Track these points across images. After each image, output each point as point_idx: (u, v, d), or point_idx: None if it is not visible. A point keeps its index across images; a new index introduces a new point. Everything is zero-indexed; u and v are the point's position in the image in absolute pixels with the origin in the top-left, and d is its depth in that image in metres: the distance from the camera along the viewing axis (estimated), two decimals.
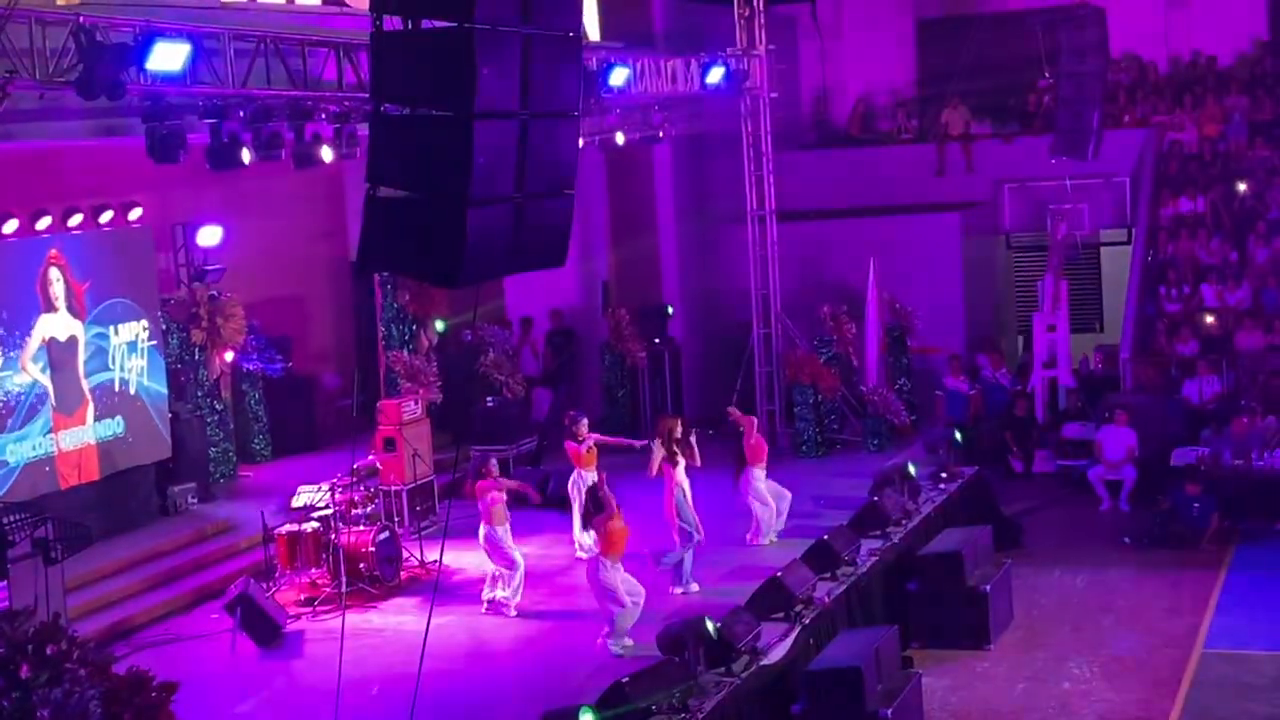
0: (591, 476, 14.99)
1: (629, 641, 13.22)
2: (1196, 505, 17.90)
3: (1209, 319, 22.36)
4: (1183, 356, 21.74)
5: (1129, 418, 19.90)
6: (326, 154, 15.35)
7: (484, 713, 12.31)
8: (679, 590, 14.79)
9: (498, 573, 14.55)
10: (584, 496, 15.08)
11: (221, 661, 13.70)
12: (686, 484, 15.02)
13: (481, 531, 14.41)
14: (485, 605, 14.57)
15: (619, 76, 18.30)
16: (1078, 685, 13.94)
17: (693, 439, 15.27)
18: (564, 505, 17.03)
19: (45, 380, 15.41)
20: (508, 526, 14.50)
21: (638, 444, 16.31)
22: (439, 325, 20.75)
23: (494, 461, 14.76)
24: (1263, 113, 24.76)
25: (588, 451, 15.81)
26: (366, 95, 13.25)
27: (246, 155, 14.36)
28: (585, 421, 16.08)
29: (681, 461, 15.02)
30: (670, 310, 23.24)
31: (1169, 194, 24.28)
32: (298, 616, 14.63)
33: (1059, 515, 19.47)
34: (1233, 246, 23.30)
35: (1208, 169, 24.44)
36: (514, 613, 14.42)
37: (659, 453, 15.06)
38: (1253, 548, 17.77)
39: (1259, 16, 25.96)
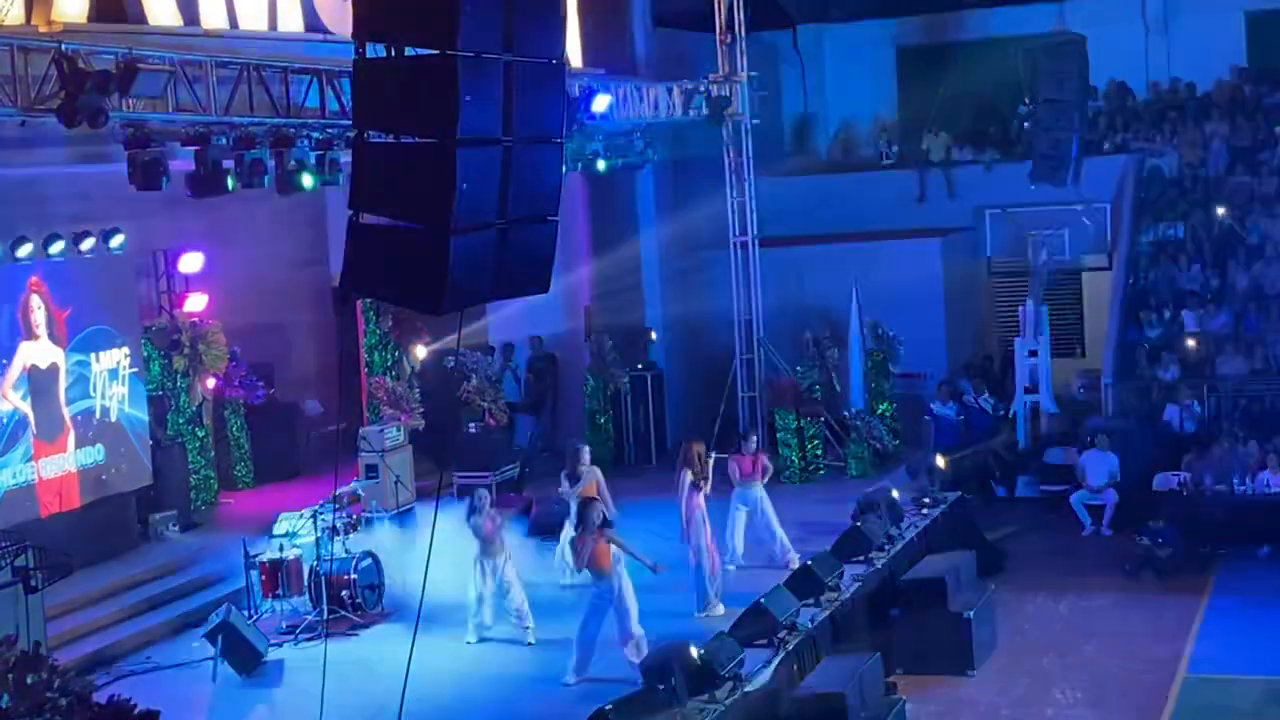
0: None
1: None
2: (1161, 539, 17.93)
3: (1190, 344, 22.42)
4: (1164, 381, 21.79)
5: (1110, 443, 19.95)
6: (309, 181, 15.34)
7: None
8: (700, 615, 14.84)
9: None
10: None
11: (203, 690, 13.63)
12: (705, 509, 15.14)
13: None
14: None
15: (601, 103, 18.35)
16: (1062, 710, 13.93)
17: (710, 463, 15.43)
18: (547, 532, 17.02)
19: (26, 408, 15.36)
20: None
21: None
22: (421, 351, 20.74)
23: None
24: (1242, 138, 24.86)
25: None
26: (349, 122, 13.27)
27: (229, 182, 14.34)
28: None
29: (705, 486, 15.15)
30: (653, 336, 23.24)
31: (1149, 220, 24.36)
32: (279, 644, 14.57)
33: (1041, 540, 19.47)
34: (1213, 272, 23.38)
35: (1188, 195, 24.52)
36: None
37: (688, 478, 15.17)
38: (1235, 573, 17.79)
39: (1238, 43, 26.10)
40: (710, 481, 15.36)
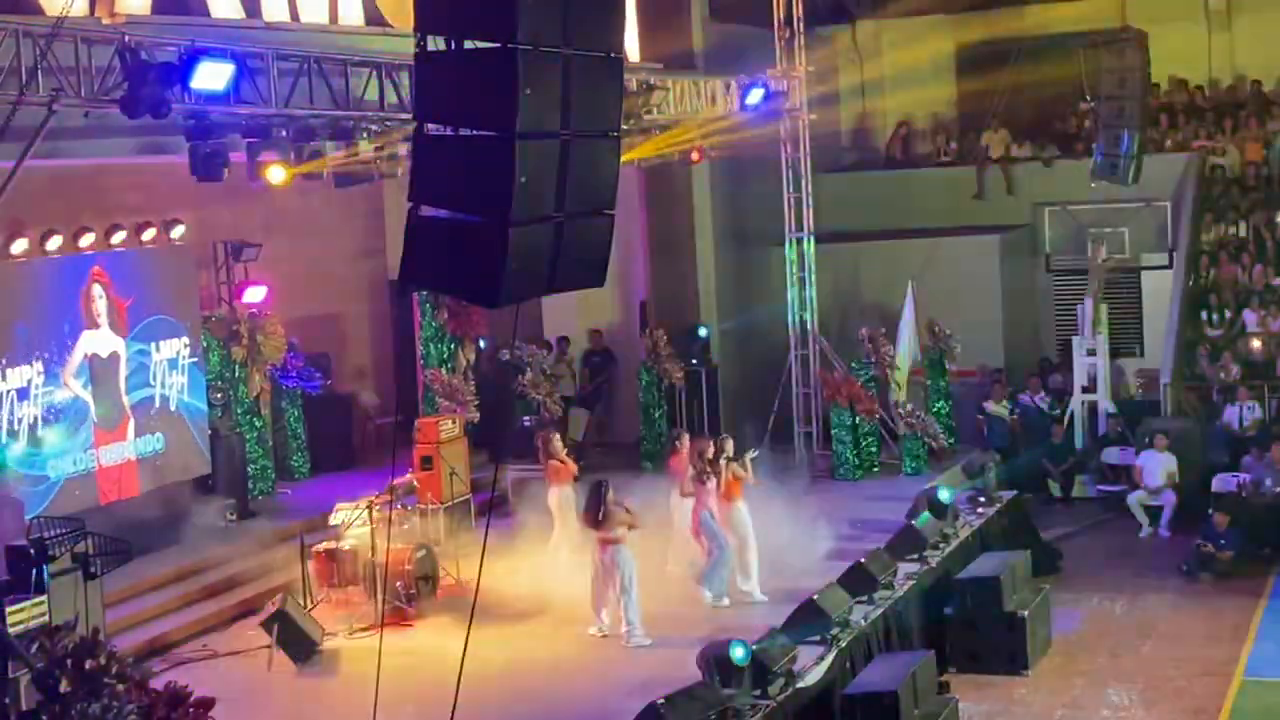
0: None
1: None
2: (1223, 540, 17.76)
3: (1251, 344, 22.21)
4: (1224, 382, 21.60)
5: (1169, 443, 19.79)
6: (367, 173, 15.43)
7: None
8: (710, 601, 14.86)
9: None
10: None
11: (258, 678, 13.73)
12: (714, 504, 15.10)
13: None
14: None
15: (659, 97, 18.33)
16: (1116, 712, 13.84)
17: (748, 458, 15.52)
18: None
19: (86, 396, 15.52)
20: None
21: None
22: (482, 344, 20.79)
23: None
24: None
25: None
26: (408, 115, 13.33)
27: (286, 174, 14.44)
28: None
29: (711, 481, 15.09)
30: (701, 333, 23.21)
31: (1211, 218, 24.15)
32: (334, 634, 14.66)
33: (1098, 540, 19.37)
34: (1275, 272, 23.16)
35: (1250, 194, 24.30)
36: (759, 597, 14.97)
37: (689, 473, 15.24)
38: None
39: None
40: (717, 477, 15.24)
